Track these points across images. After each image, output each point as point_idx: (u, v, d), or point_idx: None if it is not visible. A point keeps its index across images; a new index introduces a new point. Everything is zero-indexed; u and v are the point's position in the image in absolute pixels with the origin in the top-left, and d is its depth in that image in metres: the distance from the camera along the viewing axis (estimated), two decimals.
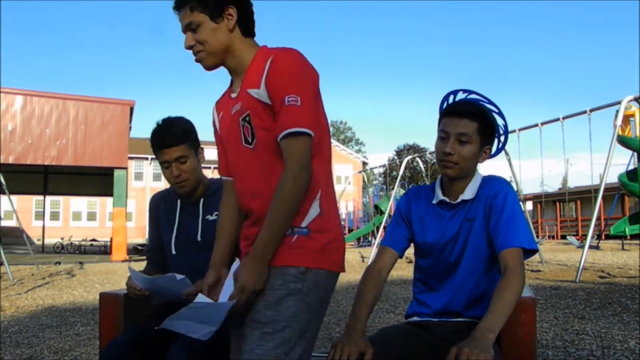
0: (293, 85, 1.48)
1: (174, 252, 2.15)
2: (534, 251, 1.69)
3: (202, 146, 2.17)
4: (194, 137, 2.11)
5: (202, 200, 2.15)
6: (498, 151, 1.90)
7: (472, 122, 1.74)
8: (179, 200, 2.19)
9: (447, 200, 1.80)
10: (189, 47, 1.60)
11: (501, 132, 1.89)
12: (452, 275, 1.79)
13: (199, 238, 2.11)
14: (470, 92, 1.90)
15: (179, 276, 1.86)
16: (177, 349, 1.78)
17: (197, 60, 1.61)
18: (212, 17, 1.58)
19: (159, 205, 2.26)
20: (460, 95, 1.92)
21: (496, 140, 1.88)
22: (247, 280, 1.44)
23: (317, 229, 1.52)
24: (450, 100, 1.98)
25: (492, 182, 1.78)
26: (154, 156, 2.16)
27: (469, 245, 1.75)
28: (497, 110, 1.87)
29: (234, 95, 1.63)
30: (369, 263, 1.86)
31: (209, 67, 1.62)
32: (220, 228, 1.74)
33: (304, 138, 1.46)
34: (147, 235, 2.37)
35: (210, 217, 2.14)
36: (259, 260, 1.46)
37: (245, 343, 1.46)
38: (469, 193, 1.77)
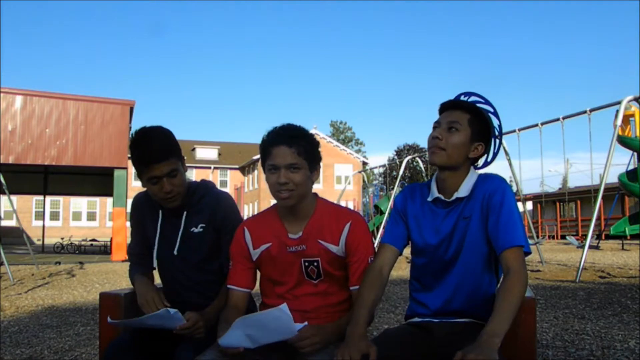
0: (372, 248, 1.88)
1: (154, 265, 2.12)
2: (527, 253, 1.69)
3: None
4: (178, 147, 2.01)
5: (185, 212, 2.07)
6: (494, 155, 1.89)
7: (463, 113, 1.77)
8: (160, 211, 2.09)
9: (442, 197, 1.80)
10: (284, 183, 1.77)
11: (496, 133, 1.88)
12: (449, 274, 1.78)
13: (175, 252, 2.06)
14: (471, 94, 1.90)
15: (172, 310, 1.81)
16: (184, 350, 1.78)
17: (282, 198, 1.79)
18: (310, 167, 1.82)
19: (144, 209, 2.16)
20: (462, 99, 1.92)
21: (492, 144, 1.87)
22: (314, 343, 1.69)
23: None
24: None
25: (489, 180, 1.77)
26: None
27: (467, 243, 1.75)
28: (492, 110, 1.86)
29: (294, 235, 1.87)
30: (371, 262, 1.86)
31: (290, 205, 1.81)
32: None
33: None
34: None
35: (195, 230, 2.07)
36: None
37: None
38: (463, 190, 1.77)
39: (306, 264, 1.86)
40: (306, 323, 1.70)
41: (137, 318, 1.84)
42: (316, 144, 1.87)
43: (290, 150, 1.77)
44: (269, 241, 1.89)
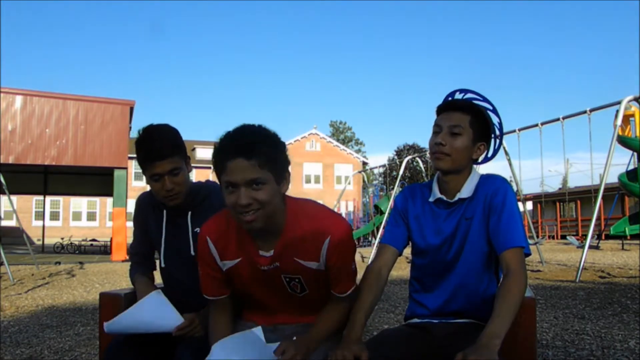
0: (353, 255, 1.72)
1: (163, 264, 2.10)
2: (527, 255, 1.68)
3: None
4: (183, 146, 2.00)
5: (190, 212, 2.05)
6: (495, 152, 1.89)
7: (464, 115, 1.76)
8: (164, 211, 2.08)
9: (444, 198, 1.79)
10: (246, 205, 1.48)
11: (496, 131, 1.88)
12: (450, 274, 1.78)
13: (192, 253, 2.03)
14: (467, 91, 1.90)
15: (159, 297, 1.81)
16: (184, 350, 1.78)
17: (247, 220, 1.50)
18: (277, 180, 1.53)
19: (147, 209, 2.15)
20: (458, 96, 1.92)
21: (492, 141, 1.87)
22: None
23: None
24: None
25: (491, 181, 1.77)
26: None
27: (468, 244, 1.75)
28: (491, 108, 1.86)
29: (265, 253, 1.64)
30: (369, 263, 1.85)
31: (256, 229, 1.55)
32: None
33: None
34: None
35: (199, 230, 2.04)
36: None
37: None
38: (466, 191, 1.77)
39: (287, 279, 1.69)
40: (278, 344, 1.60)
41: (130, 309, 1.83)
42: (282, 147, 1.56)
43: (250, 164, 1.47)
44: (238, 257, 1.68)
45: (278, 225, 1.62)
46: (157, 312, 1.85)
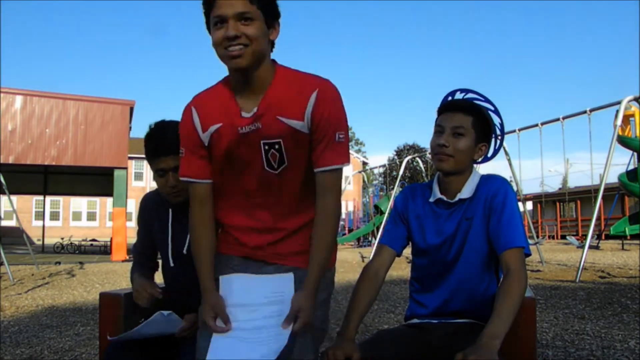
0: (342, 123, 1.56)
1: (171, 264, 2.07)
2: (527, 255, 1.69)
3: None
4: None
5: None
6: (495, 152, 1.90)
7: (466, 116, 1.76)
8: (170, 209, 2.08)
9: (445, 198, 1.80)
10: (233, 37, 1.45)
11: (497, 131, 1.88)
12: (450, 274, 1.78)
13: (184, 251, 2.03)
14: (468, 91, 1.90)
15: (165, 312, 1.82)
16: (186, 350, 1.78)
17: (232, 56, 1.47)
18: (267, 21, 1.51)
19: (152, 209, 2.14)
20: (458, 95, 1.92)
21: (493, 141, 1.88)
22: (311, 314, 1.52)
23: None
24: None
25: (491, 181, 1.77)
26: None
27: (468, 244, 1.75)
28: (493, 108, 1.86)
29: (247, 114, 1.55)
30: (368, 262, 1.86)
31: (243, 68, 1.49)
32: (207, 249, 1.67)
33: (341, 171, 1.59)
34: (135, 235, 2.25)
35: None
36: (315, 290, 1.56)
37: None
38: (466, 192, 1.77)
39: (266, 147, 1.55)
40: (291, 274, 1.56)
41: (135, 329, 1.83)
42: None
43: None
44: (219, 121, 1.58)
45: (264, 80, 1.55)
46: (161, 327, 1.85)
